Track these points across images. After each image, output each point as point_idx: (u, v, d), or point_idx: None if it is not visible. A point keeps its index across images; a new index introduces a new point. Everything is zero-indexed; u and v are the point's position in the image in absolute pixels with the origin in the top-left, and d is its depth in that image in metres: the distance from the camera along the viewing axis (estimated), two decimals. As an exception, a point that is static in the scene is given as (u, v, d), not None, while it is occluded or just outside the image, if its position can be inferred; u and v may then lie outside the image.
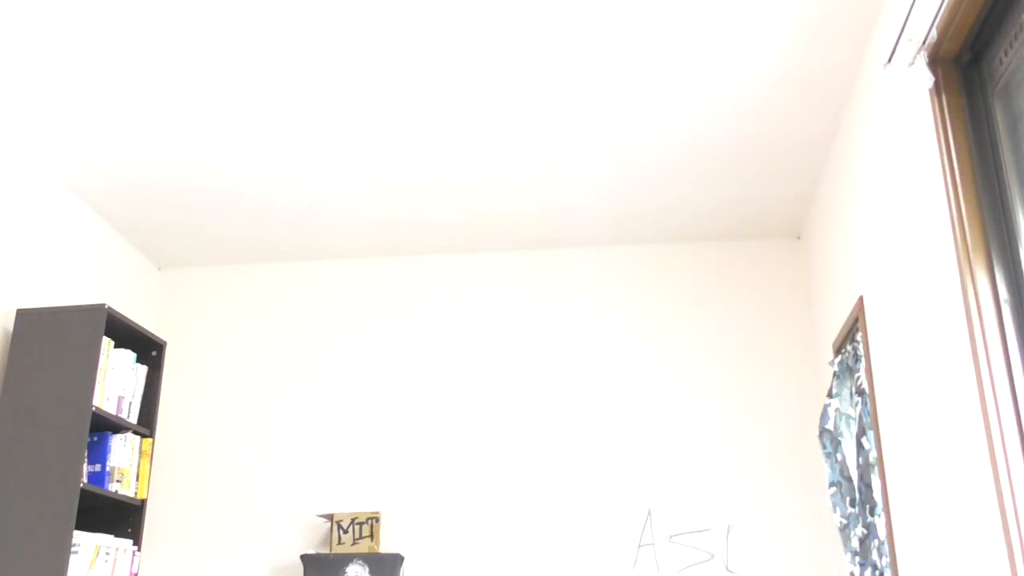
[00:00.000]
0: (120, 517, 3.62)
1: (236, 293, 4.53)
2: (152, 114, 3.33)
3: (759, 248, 4.34)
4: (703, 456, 4.04)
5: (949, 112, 2.30)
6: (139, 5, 2.76)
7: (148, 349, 3.82)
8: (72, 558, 3.21)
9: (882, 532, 3.06)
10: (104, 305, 3.46)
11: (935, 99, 2.33)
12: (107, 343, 3.49)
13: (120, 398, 3.58)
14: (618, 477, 4.04)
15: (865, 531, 3.20)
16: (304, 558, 3.75)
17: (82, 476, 3.26)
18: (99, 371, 3.40)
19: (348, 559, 3.73)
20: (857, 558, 3.27)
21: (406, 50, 2.98)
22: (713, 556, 3.90)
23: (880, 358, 3.02)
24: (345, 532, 3.82)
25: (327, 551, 3.94)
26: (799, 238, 4.33)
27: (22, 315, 3.46)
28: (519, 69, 3.08)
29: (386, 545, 3.86)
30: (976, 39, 2.23)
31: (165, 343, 3.85)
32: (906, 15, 2.46)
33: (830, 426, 3.46)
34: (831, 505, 3.47)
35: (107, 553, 3.40)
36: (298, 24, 2.85)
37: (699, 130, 3.44)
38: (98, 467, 3.46)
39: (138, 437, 3.67)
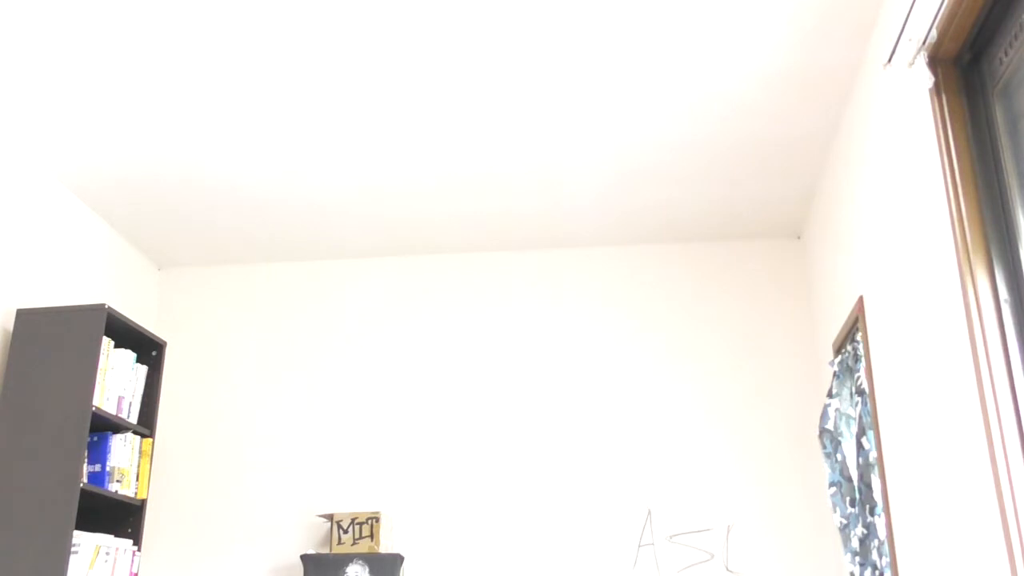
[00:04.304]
0: (120, 517, 3.62)
1: (236, 293, 4.53)
2: (153, 114, 3.33)
3: (759, 248, 4.34)
4: (703, 456, 4.04)
5: (949, 112, 2.30)
6: (139, 4, 2.76)
7: (148, 349, 3.83)
8: (72, 558, 3.21)
9: (882, 532, 3.06)
10: (104, 305, 3.46)
11: (935, 99, 2.33)
12: (107, 343, 3.49)
13: (120, 398, 3.58)
14: (618, 477, 4.04)
15: (865, 531, 3.20)
16: (304, 558, 3.75)
17: (82, 476, 3.26)
18: (99, 371, 3.40)
19: (348, 559, 3.73)
20: (857, 558, 3.27)
21: (406, 50, 2.98)
22: (713, 556, 3.90)
23: (880, 358, 3.02)
24: (345, 532, 3.82)
25: (327, 551, 3.94)
26: (799, 238, 4.33)
27: (22, 315, 3.46)
28: (519, 69, 3.08)
29: (386, 545, 3.86)
30: (976, 39, 2.23)
31: (165, 343, 3.85)
32: (906, 15, 2.46)
33: (830, 426, 3.46)
34: (831, 505, 3.47)
35: (107, 553, 3.40)
36: (298, 24, 2.85)
37: (699, 130, 3.44)
38: (98, 467, 3.46)
39: (138, 437, 3.67)
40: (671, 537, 3.95)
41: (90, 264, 4.01)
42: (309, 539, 4.09)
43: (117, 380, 3.56)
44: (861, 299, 3.21)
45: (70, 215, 3.89)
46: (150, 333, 3.74)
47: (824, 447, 3.54)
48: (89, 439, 3.43)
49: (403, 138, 3.49)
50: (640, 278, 4.35)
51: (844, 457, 3.38)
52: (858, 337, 3.30)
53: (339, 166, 3.68)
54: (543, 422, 4.16)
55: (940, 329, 2.43)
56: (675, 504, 3.99)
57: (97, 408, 3.37)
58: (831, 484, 3.45)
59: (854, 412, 3.36)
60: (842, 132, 3.37)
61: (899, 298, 2.79)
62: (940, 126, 2.31)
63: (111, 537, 3.46)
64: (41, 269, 3.67)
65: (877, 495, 3.10)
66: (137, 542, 3.59)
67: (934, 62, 2.33)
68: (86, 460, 3.42)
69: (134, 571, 3.55)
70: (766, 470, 3.99)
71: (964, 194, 2.22)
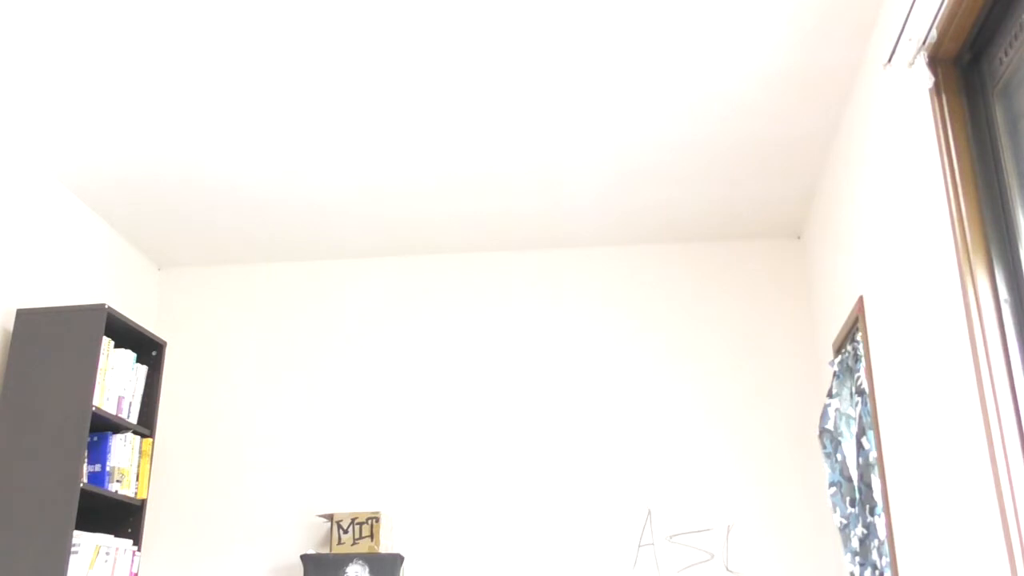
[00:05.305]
0: (120, 517, 3.62)
1: (236, 293, 4.53)
2: (153, 114, 3.33)
3: (759, 248, 4.34)
4: (703, 456, 4.04)
5: (949, 112, 2.30)
6: (139, 4, 2.76)
7: (148, 349, 3.83)
8: (72, 558, 3.21)
9: (882, 532, 3.06)
10: (104, 305, 3.46)
11: (935, 99, 2.33)
12: (107, 343, 3.49)
13: (120, 398, 3.58)
14: (618, 477, 4.04)
15: (865, 531, 3.20)
16: (304, 558, 3.75)
17: (82, 476, 3.26)
18: (99, 371, 3.40)
19: (348, 559, 3.73)
20: (857, 558, 3.27)
21: (406, 50, 2.98)
22: (713, 556, 3.90)
23: (880, 358, 3.02)
24: (345, 532, 3.82)
25: (327, 551, 3.94)
26: (799, 238, 4.33)
27: (22, 315, 3.46)
28: (519, 69, 3.08)
29: (386, 545, 3.86)
30: (976, 39, 2.23)
31: (165, 343, 3.85)
32: (906, 15, 2.46)
33: (830, 426, 3.46)
34: (831, 505, 3.47)
35: (107, 553, 3.40)
36: (298, 24, 2.85)
37: (699, 130, 3.44)
38: (98, 467, 3.46)
39: (138, 437, 3.67)
40: (671, 537, 3.95)
41: (90, 264, 4.01)
42: (309, 539, 4.09)
43: (117, 380, 3.56)
44: (861, 299, 3.21)
45: (70, 215, 3.88)
46: (150, 333, 3.74)
47: (824, 447, 3.54)
48: (89, 439, 3.43)
49: (403, 138, 3.49)
50: (640, 278, 4.35)
51: (844, 457, 3.38)
52: (858, 337, 3.30)
53: (339, 166, 3.68)
54: (543, 422, 4.16)
55: (940, 329, 2.43)
56: (675, 504, 3.99)
57: (97, 408, 3.37)
58: (831, 484, 3.45)
59: (854, 412, 3.36)
60: (842, 132, 3.37)
61: (899, 298, 2.79)
62: (940, 126, 2.31)
63: (111, 537, 3.46)
64: (41, 269, 3.67)
65: (877, 495, 3.10)
66: (137, 542, 3.59)
67: (934, 62, 2.33)
68: (86, 460, 3.42)
69: (134, 571, 3.55)
70: (766, 470, 3.99)
71: (964, 194, 2.22)
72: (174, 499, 4.22)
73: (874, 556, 3.12)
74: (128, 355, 3.65)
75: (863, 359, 3.19)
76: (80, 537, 3.27)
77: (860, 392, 3.25)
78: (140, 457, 3.66)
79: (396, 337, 4.37)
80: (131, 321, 3.61)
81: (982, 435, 2.18)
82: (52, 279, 3.73)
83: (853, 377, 3.36)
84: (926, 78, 2.33)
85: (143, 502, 3.63)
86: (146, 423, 3.75)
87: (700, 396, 4.13)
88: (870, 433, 3.16)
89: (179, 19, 2.82)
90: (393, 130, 3.44)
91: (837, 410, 3.43)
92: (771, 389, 4.11)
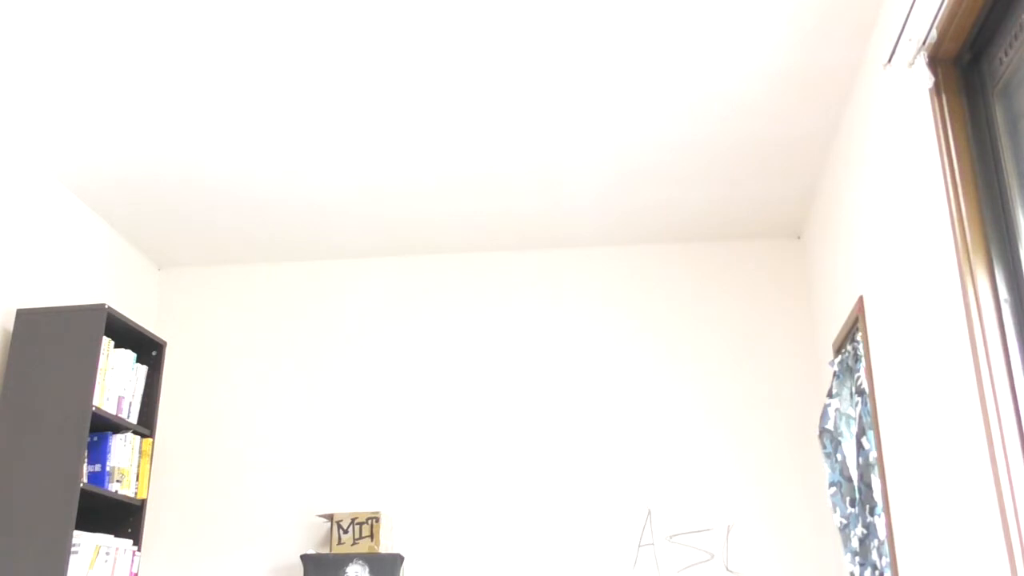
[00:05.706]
0: (120, 517, 3.62)
1: (236, 293, 4.53)
2: (153, 114, 3.33)
3: (759, 248, 4.34)
4: (703, 456, 4.04)
5: (949, 112, 2.30)
6: (139, 5, 2.76)
7: (148, 349, 3.83)
8: (72, 558, 3.21)
9: (882, 532, 3.06)
10: (104, 305, 3.46)
11: (935, 99, 2.33)
12: (107, 343, 3.49)
13: (120, 398, 3.58)
14: (618, 477, 4.04)
15: (865, 531, 3.20)
16: (304, 558, 3.75)
17: (82, 476, 3.26)
18: (99, 371, 3.40)
19: (348, 559, 3.73)
20: (857, 558, 3.27)
21: (406, 50, 2.98)
22: (713, 556, 3.90)
23: (880, 358, 3.02)
24: (345, 532, 3.82)
25: (327, 551, 3.94)
26: (799, 238, 4.33)
27: (22, 315, 3.46)
28: (519, 69, 3.08)
29: (386, 545, 3.86)
30: (976, 39, 2.23)
31: (165, 343, 3.85)
32: (906, 15, 2.47)
33: (830, 426, 3.46)
34: (831, 505, 3.47)
35: (107, 553, 3.40)
36: (298, 24, 2.85)
37: (699, 130, 3.44)
38: (98, 467, 3.46)
39: (138, 437, 3.67)
40: (671, 537, 3.95)
41: (90, 264, 4.01)
42: (309, 539, 4.09)
43: (117, 380, 3.56)
44: (861, 299, 3.21)
45: (70, 215, 3.88)
46: (150, 333, 3.74)
47: (824, 447, 3.54)
48: (89, 439, 3.43)
49: (403, 138, 3.49)
50: (640, 278, 4.35)
51: (844, 457, 3.38)
52: (858, 337, 3.30)
53: (339, 166, 3.68)
54: (543, 422, 4.16)
55: (940, 329, 2.43)
56: (675, 504, 3.99)
57: (97, 408, 3.37)
58: (831, 484, 3.45)
59: (854, 412, 3.36)
60: (842, 132, 3.37)
61: (899, 298, 2.80)
62: (940, 126, 2.31)
63: (111, 537, 3.46)
64: (41, 269, 3.67)
65: (877, 495, 3.10)
66: (137, 542, 3.59)
67: (934, 62, 2.33)
68: (86, 460, 3.42)
69: (134, 571, 3.55)
70: (766, 470, 3.99)
71: (964, 194, 2.22)
72: (174, 499, 4.22)
73: (874, 556, 3.12)
74: (128, 355, 3.65)
75: (863, 359, 3.19)
76: (80, 537, 3.27)
77: (860, 392, 3.25)
78: (140, 457, 3.66)
79: (396, 337, 4.37)
80: (131, 321, 3.61)
81: (982, 435, 2.18)
82: (52, 279, 3.73)
83: (853, 377, 3.36)
84: (926, 78, 2.33)
85: (143, 502, 3.63)
86: (146, 423, 3.75)
87: (700, 396, 4.13)
88: (870, 433, 3.16)
89: (179, 19, 2.83)
90: (393, 130, 3.44)
91: (837, 410, 3.43)
92: (771, 389, 4.11)
